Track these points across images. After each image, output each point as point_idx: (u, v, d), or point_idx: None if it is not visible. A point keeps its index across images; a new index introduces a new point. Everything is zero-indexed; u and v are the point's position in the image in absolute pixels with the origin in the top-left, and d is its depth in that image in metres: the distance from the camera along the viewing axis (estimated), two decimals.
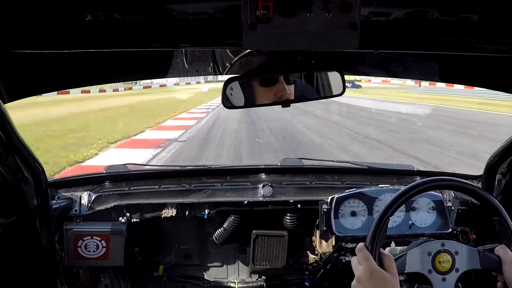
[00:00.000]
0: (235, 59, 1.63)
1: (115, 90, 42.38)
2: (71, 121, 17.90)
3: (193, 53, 1.67)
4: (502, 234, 1.46)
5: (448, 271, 1.49)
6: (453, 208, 2.22)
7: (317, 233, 2.34)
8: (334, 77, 1.68)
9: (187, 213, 2.30)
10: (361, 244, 1.37)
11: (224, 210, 2.34)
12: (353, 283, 1.34)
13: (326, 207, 2.14)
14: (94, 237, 2.18)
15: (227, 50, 1.63)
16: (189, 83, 56.11)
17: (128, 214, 2.24)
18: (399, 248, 1.88)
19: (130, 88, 47.65)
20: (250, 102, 1.65)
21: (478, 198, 1.51)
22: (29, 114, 17.16)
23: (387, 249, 1.90)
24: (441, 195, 2.19)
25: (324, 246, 2.32)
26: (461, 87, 29.15)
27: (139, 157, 10.22)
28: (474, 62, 1.60)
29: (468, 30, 1.23)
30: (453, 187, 1.63)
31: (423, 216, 2.17)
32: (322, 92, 1.73)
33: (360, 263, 1.33)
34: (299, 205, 2.30)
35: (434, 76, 1.77)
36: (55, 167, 9.15)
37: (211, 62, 1.69)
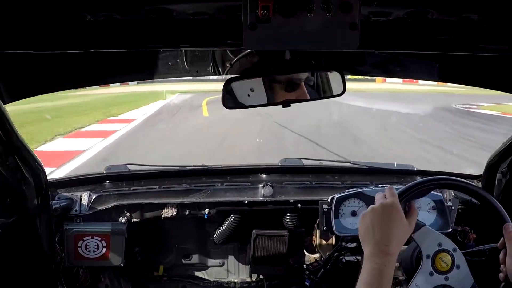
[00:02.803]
0: (235, 59, 1.63)
1: None
2: None
3: (193, 53, 1.67)
4: None
5: (449, 270, 1.49)
6: (453, 207, 2.21)
7: (317, 232, 2.34)
8: (334, 77, 1.68)
9: (187, 213, 2.30)
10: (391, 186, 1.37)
11: (224, 210, 2.34)
12: (365, 211, 1.33)
13: (326, 207, 2.14)
14: (95, 237, 2.18)
15: (227, 50, 1.63)
16: None
17: (128, 214, 2.24)
18: None
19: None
20: (250, 102, 1.65)
21: (486, 204, 1.51)
22: None
23: None
24: (441, 195, 2.19)
25: (324, 246, 2.32)
26: None
27: None
28: (474, 62, 1.60)
29: (468, 30, 1.23)
30: (462, 188, 1.62)
31: (424, 216, 2.17)
32: (322, 92, 1.72)
33: (385, 196, 1.32)
34: (299, 205, 2.30)
35: (434, 76, 1.77)
36: None
37: (211, 62, 1.69)
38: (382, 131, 12.34)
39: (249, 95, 1.62)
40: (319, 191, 2.31)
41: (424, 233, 1.48)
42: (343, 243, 2.15)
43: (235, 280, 2.58)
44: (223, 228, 2.41)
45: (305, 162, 2.60)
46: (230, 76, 1.61)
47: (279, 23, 1.05)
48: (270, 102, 1.64)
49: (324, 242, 2.31)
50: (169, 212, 2.28)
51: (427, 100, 21.70)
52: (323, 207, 2.15)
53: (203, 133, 11.83)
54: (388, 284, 1.18)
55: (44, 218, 1.72)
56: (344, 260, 2.10)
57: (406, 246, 1.83)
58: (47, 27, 1.17)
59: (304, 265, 2.47)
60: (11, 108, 1.46)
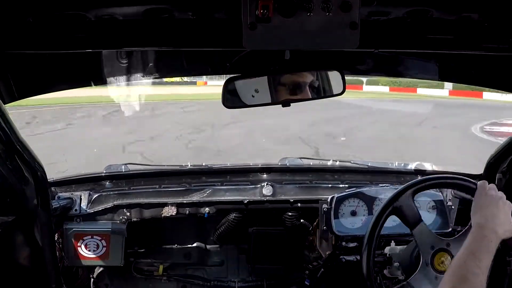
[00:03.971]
0: (235, 59, 1.63)
1: None
2: None
3: (193, 53, 1.67)
4: None
5: (444, 271, 1.49)
6: (453, 207, 2.21)
7: (317, 232, 2.34)
8: (334, 76, 1.68)
9: (187, 212, 2.30)
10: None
11: (224, 209, 2.34)
12: (481, 184, 1.41)
13: (326, 206, 2.14)
14: (94, 237, 2.18)
15: (227, 50, 1.63)
16: None
17: (128, 214, 2.24)
18: (399, 247, 1.89)
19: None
20: (250, 102, 1.65)
21: None
22: None
23: (387, 248, 1.90)
24: (441, 194, 2.19)
25: (324, 246, 2.31)
26: None
27: None
28: (474, 61, 1.60)
29: (468, 29, 1.23)
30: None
31: (423, 215, 2.14)
32: (323, 91, 1.72)
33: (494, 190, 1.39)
34: (299, 204, 2.30)
35: (434, 75, 1.77)
36: None
37: (211, 62, 1.69)
38: None
39: (253, 96, 1.62)
40: (319, 190, 2.31)
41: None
42: (343, 243, 2.14)
43: (235, 280, 2.57)
44: (223, 227, 2.41)
45: (305, 161, 2.60)
46: (230, 76, 1.61)
47: (279, 22, 1.05)
48: (270, 102, 1.64)
49: (324, 241, 2.30)
50: (169, 211, 2.27)
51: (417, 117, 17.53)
52: (323, 206, 2.15)
53: None
54: (487, 261, 1.22)
55: (44, 218, 1.72)
56: (344, 260, 2.09)
57: (405, 246, 1.83)
58: (47, 27, 1.17)
59: (304, 265, 2.47)
60: None
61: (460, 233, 1.55)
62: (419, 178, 1.64)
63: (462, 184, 1.56)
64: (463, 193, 1.69)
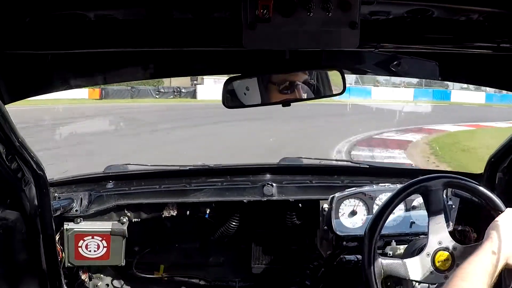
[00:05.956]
0: (235, 59, 1.63)
1: None
2: None
3: (193, 53, 1.67)
4: None
5: (449, 268, 1.49)
6: (453, 206, 2.21)
7: (318, 232, 2.34)
8: (334, 76, 1.68)
9: (187, 212, 2.30)
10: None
11: (224, 209, 2.34)
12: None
13: (327, 206, 2.14)
14: (95, 237, 2.18)
15: (227, 49, 1.62)
16: None
17: (128, 214, 2.24)
18: (399, 247, 1.89)
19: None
20: (250, 101, 1.65)
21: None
22: None
23: (388, 248, 1.90)
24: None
25: (324, 245, 2.31)
26: None
27: None
28: (474, 60, 1.60)
29: (468, 28, 1.23)
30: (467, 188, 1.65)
31: (424, 214, 2.16)
32: (323, 91, 1.72)
33: None
34: (299, 204, 2.30)
35: (434, 74, 1.76)
36: None
37: (211, 62, 1.69)
38: None
39: (245, 94, 1.62)
40: (320, 190, 2.30)
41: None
42: (344, 242, 2.14)
43: (236, 280, 2.57)
44: (223, 227, 2.41)
45: (305, 161, 2.60)
46: (230, 76, 1.60)
47: (279, 22, 1.05)
48: (266, 102, 1.64)
49: (324, 241, 2.31)
50: (169, 211, 2.27)
51: None
52: (323, 206, 2.15)
53: None
54: (494, 275, 1.24)
55: (45, 219, 1.72)
56: (344, 260, 2.09)
57: (406, 245, 1.84)
58: (47, 27, 1.17)
59: (305, 265, 2.47)
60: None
61: (470, 245, 1.56)
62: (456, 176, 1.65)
63: (494, 201, 1.55)
64: (463, 192, 1.69)
